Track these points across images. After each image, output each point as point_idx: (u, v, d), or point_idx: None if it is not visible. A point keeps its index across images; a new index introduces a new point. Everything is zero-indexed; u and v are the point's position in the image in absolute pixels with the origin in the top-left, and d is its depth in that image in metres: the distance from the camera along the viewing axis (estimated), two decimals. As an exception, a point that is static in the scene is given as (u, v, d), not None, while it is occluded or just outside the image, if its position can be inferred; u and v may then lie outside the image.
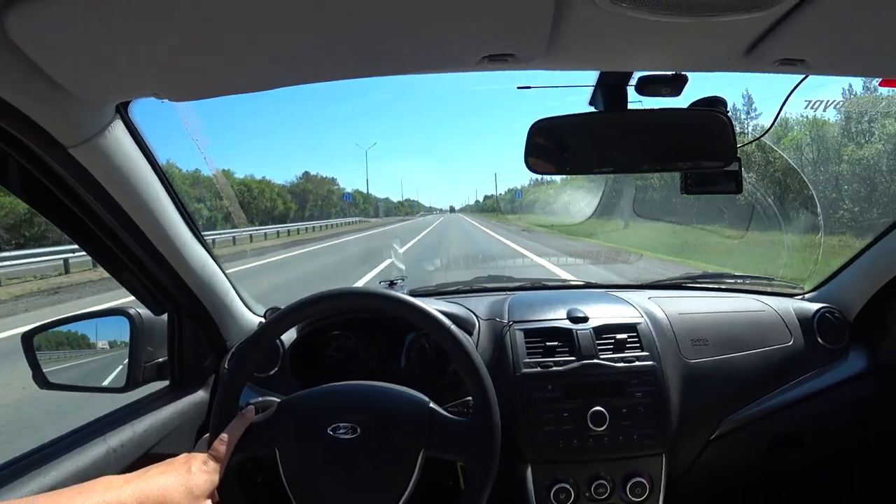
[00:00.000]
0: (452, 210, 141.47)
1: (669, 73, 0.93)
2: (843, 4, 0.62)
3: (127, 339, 1.26)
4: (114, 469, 1.04)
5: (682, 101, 0.99)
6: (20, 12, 0.55)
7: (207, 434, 0.96)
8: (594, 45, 0.74)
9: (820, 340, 1.51)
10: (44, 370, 1.24)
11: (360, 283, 7.13)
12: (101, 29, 0.60)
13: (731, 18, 0.64)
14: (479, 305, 1.52)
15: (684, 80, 0.94)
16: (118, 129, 0.88)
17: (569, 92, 1.01)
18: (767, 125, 1.35)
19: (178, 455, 0.90)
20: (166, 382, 1.34)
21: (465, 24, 0.66)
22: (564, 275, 7.00)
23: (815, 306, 1.55)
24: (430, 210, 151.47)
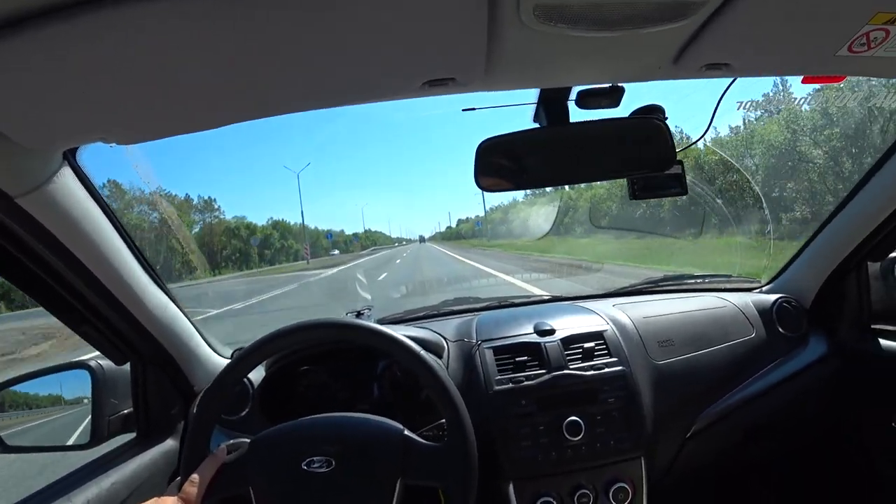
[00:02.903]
0: (422, 240, 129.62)
1: (606, 85, 0.97)
2: (758, 8, 0.66)
3: (89, 393, 1.22)
4: None
5: (622, 111, 1.03)
6: None
7: (178, 478, 0.94)
8: (529, 63, 0.77)
9: (780, 330, 1.56)
10: (0, 433, 1.19)
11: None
12: (41, 76, 0.60)
13: (656, 30, 0.68)
14: (447, 328, 1.52)
15: (621, 91, 0.98)
16: (66, 176, 0.87)
17: (514, 110, 1.05)
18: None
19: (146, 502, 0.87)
20: (133, 434, 1.29)
21: (402, 52, 0.68)
22: (533, 290, 7.05)
23: (773, 297, 1.62)
24: (398, 241, 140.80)
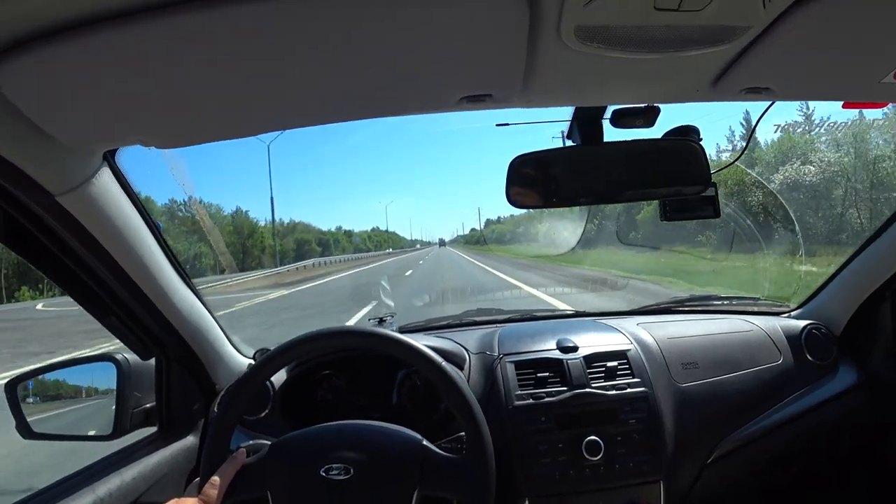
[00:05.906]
0: (442, 243, 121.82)
1: (642, 105, 0.96)
2: (800, 34, 0.65)
3: (114, 385, 1.24)
4: None
5: (656, 131, 1.02)
6: (10, 65, 0.56)
7: (198, 478, 0.95)
8: (567, 82, 0.77)
9: (809, 357, 1.52)
10: (28, 419, 1.21)
11: (351, 322, 6.97)
12: (87, 80, 0.62)
13: (697, 53, 0.68)
14: (469, 339, 1.51)
15: (657, 111, 0.97)
16: (105, 177, 0.89)
17: (547, 126, 1.04)
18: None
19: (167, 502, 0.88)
20: (154, 428, 1.32)
21: (443, 68, 0.68)
22: (558, 304, 6.99)
23: (802, 323, 1.57)
24: (412, 244, 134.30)
